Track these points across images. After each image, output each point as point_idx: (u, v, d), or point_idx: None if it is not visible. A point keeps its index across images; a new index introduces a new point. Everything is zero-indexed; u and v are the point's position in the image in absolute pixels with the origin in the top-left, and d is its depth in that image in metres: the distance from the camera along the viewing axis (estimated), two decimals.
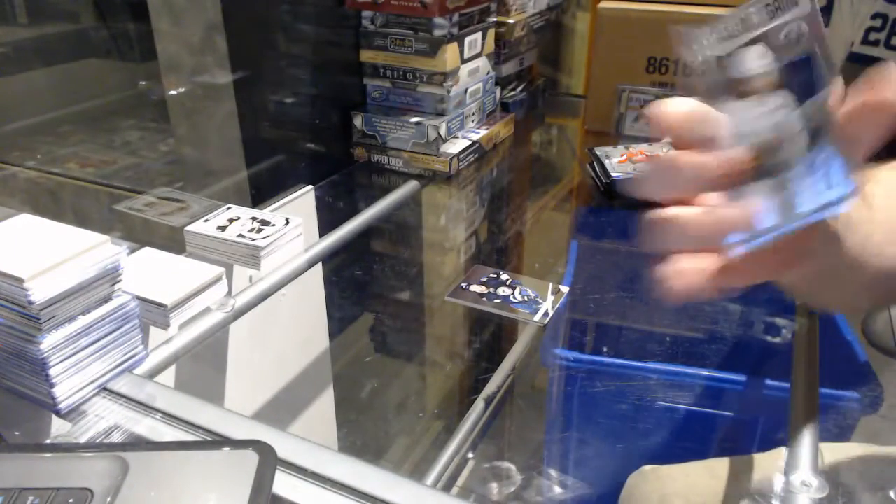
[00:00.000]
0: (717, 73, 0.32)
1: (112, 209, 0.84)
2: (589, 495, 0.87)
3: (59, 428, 0.49)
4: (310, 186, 0.92)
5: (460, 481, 0.76)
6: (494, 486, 0.78)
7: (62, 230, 0.49)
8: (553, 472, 0.81)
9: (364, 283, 1.05)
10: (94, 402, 0.49)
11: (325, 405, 1.01)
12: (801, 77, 0.32)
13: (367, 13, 1.02)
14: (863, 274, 0.40)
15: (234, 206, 0.75)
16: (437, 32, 0.99)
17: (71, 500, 0.36)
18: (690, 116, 0.33)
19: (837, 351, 0.77)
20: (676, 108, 0.33)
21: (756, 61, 0.32)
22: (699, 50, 0.33)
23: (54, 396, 0.46)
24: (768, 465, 0.62)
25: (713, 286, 0.36)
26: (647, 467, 0.70)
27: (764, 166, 0.31)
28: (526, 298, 0.74)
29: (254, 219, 0.71)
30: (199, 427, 0.46)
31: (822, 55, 0.31)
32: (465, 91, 1.08)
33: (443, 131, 1.03)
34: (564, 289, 0.76)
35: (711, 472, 0.65)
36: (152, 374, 0.54)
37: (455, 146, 1.06)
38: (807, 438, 0.49)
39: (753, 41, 0.32)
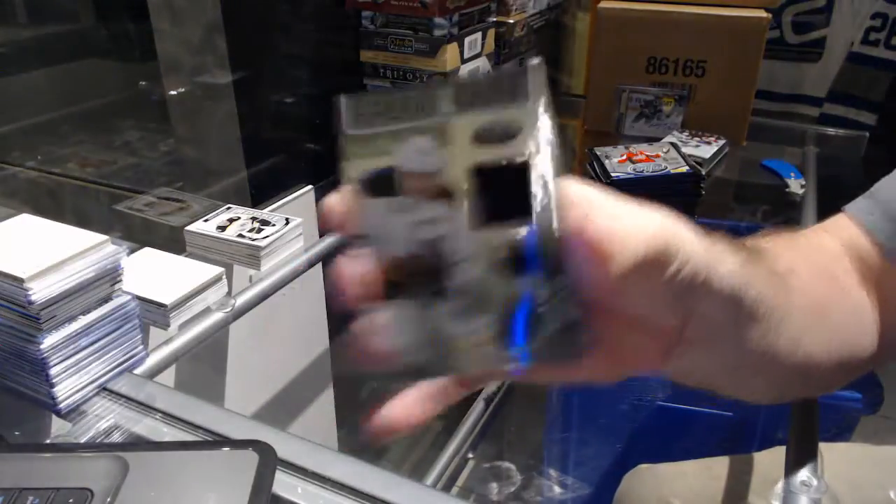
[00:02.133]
0: (361, 155, 0.26)
1: (112, 209, 0.84)
2: (588, 495, 0.87)
3: (59, 428, 0.49)
4: (310, 186, 0.92)
5: (460, 481, 0.76)
6: (494, 486, 0.78)
7: (62, 230, 0.49)
8: (553, 472, 0.81)
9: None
10: (94, 402, 0.49)
11: (325, 405, 1.01)
12: (495, 192, 0.23)
13: (367, 13, 1.02)
14: (774, 368, 0.35)
15: (234, 206, 0.75)
16: (437, 32, 0.99)
17: (71, 500, 0.36)
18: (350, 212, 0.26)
19: None
20: (335, 203, 0.27)
21: (414, 155, 0.24)
22: (350, 123, 0.26)
23: (54, 396, 0.46)
24: (767, 464, 0.62)
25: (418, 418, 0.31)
26: (643, 466, 0.70)
27: (402, 286, 0.24)
28: None
29: (254, 219, 0.71)
30: (199, 427, 0.46)
31: (542, 171, 0.23)
32: None
33: None
34: None
35: (709, 472, 0.65)
36: (152, 374, 0.54)
37: None
38: (807, 438, 0.49)
39: (423, 130, 0.24)
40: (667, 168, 0.94)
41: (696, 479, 0.66)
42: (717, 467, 0.65)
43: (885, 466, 0.62)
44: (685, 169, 0.94)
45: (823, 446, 0.50)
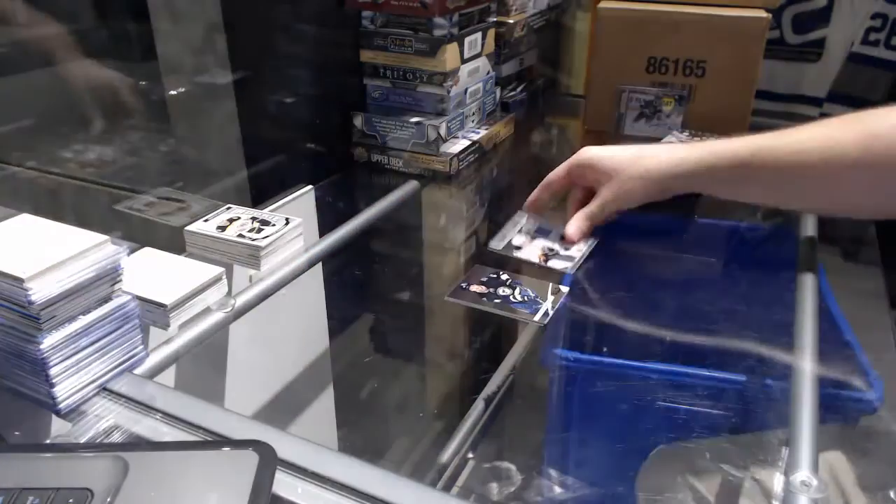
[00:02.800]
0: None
1: (112, 209, 0.84)
2: (589, 495, 0.87)
3: (59, 428, 0.49)
4: (310, 186, 0.92)
5: (460, 481, 0.76)
6: (494, 486, 0.78)
7: (62, 230, 0.49)
8: (553, 472, 0.81)
9: (364, 283, 1.05)
10: (94, 402, 0.49)
11: (325, 405, 1.01)
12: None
13: (367, 13, 1.02)
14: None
15: (234, 206, 0.75)
16: (437, 32, 0.99)
17: (71, 500, 0.36)
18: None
19: (837, 351, 0.77)
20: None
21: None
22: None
23: (54, 396, 0.46)
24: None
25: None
26: (667, 445, 0.71)
27: None
28: (526, 298, 0.74)
29: (254, 219, 0.71)
30: (199, 427, 0.46)
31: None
32: (465, 91, 1.08)
33: (443, 131, 1.03)
34: (564, 289, 0.76)
35: (730, 449, 0.66)
36: (152, 374, 0.54)
37: (455, 146, 1.06)
38: (807, 438, 0.49)
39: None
40: None
41: (717, 458, 0.67)
42: (740, 446, 0.65)
43: (884, 466, 0.62)
44: None
45: (823, 446, 0.50)
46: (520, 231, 0.84)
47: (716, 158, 0.71)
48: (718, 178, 0.72)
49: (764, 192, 0.74)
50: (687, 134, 1.09)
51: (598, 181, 0.79)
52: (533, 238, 0.83)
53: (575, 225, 0.80)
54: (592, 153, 0.78)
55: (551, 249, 0.81)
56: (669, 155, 0.75)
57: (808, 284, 0.72)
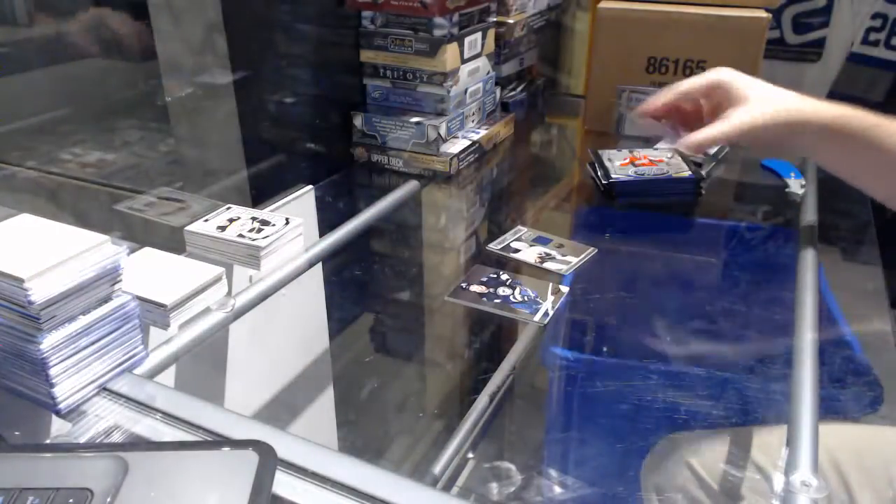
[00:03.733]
0: None
1: (112, 209, 0.84)
2: (589, 495, 0.87)
3: (59, 428, 0.49)
4: (310, 186, 0.92)
5: (460, 481, 0.76)
6: (494, 486, 0.78)
7: (62, 230, 0.49)
8: (553, 472, 0.81)
9: (364, 283, 1.05)
10: (94, 402, 0.49)
11: (325, 405, 1.01)
12: None
13: (367, 13, 1.02)
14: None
15: (234, 206, 0.75)
16: (437, 32, 0.99)
17: (71, 500, 0.36)
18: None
19: (837, 351, 0.77)
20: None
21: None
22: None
23: (54, 396, 0.46)
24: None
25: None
26: (675, 434, 0.71)
27: None
28: (526, 298, 0.74)
29: (254, 219, 0.71)
30: (199, 427, 0.46)
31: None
32: (465, 91, 1.08)
33: (443, 131, 1.03)
34: (564, 289, 0.76)
35: (735, 440, 0.66)
36: (152, 374, 0.54)
37: (455, 146, 1.06)
38: (807, 438, 0.49)
39: None
40: (668, 172, 0.94)
41: (722, 447, 0.67)
42: (744, 436, 0.65)
43: (884, 466, 0.62)
44: (687, 173, 0.94)
45: (823, 447, 0.50)
46: (518, 239, 0.87)
47: (832, 120, 0.71)
48: (827, 138, 0.72)
49: (862, 170, 0.73)
50: None
51: (728, 102, 0.79)
52: (531, 245, 0.85)
53: (698, 140, 0.79)
54: (731, 74, 0.81)
55: (547, 254, 0.83)
56: (797, 101, 0.75)
57: (808, 284, 0.72)
